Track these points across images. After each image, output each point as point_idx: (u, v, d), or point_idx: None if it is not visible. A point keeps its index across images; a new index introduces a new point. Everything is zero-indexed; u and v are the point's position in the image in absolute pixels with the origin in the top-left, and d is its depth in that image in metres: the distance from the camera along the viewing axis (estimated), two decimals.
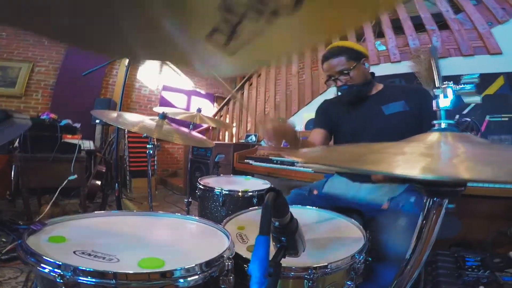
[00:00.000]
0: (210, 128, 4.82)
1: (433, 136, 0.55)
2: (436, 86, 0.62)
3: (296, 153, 0.68)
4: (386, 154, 0.51)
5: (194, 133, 1.73)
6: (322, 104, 1.61)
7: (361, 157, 0.56)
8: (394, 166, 0.43)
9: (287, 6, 0.36)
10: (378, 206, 1.21)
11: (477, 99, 0.60)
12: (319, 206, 1.21)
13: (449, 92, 0.58)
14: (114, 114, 1.47)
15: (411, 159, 0.47)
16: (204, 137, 1.76)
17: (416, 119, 1.24)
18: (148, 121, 1.49)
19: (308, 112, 3.42)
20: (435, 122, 0.59)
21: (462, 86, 0.59)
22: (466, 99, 0.57)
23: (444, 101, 0.59)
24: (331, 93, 3.24)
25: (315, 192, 1.41)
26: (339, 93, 1.41)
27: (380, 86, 1.41)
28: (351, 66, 1.29)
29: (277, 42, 0.44)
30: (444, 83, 0.61)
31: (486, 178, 0.36)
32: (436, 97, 0.60)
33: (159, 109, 1.70)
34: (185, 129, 1.66)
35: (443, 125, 0.57)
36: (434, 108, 0.61)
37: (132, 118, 1.49)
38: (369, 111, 1.35)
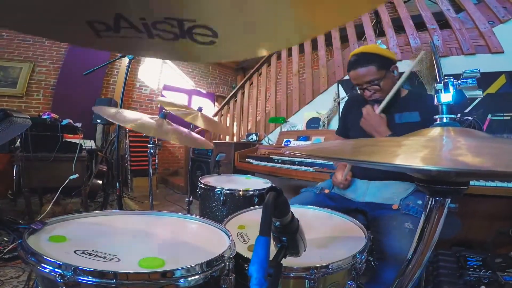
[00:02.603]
0: None
1: (434, 131, 0.54)
2: (437, 80, 0.62)
3: (297, 148, 0.68)
4: (385, 147, 0.51)
5: (194, 134, 1.72)
6: (344, 106, 1.61)
7: (359, 148, 0.55)
8: (393, 157, 0.43)
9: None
10: (385, 206, 1.21)
11: (479, 93, 0.60)
12: (327, 206, 1.20)
13: (450, 86, 0.58)
14: (113, 110, 1.46)
15: (411, 151, 0.46)
16: (203, 138, 1.75)
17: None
18: (148, 119, 1.48)
19: (309, 111, 3.42)
20: (436, 116, 0.59)
21: (463, 80, 0.59)
22: (469, 93, 0.58)
23: (446, 96, 0.58)
24: (332, 92, 3.23)
25: (327, 191, 1.41)
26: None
27: (404, 92, 1.36)
28: (381, 76, 1.22)
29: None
30: (445, 77, 0.61)
31: (487, 167, 0.36)
32: (437, 91, 0.59)
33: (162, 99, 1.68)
34: (185, 130, 1.65)
35: (444, 120, 0.57)
36: (436, 103, 0.60)
37: (131, 115, 1.48)
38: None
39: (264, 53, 0.48)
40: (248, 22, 0.44)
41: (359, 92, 1.33)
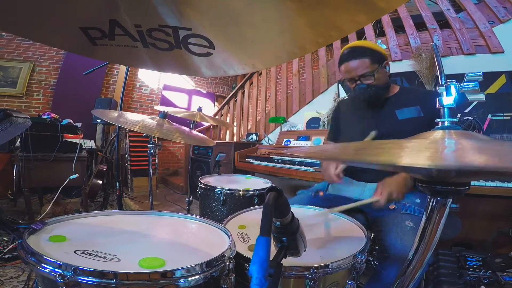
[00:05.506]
0: (211, 127, 4.82)
1: (436, 134, 0.54)
2: (440, 84, 0.62)
3: (299, 150, 0.68)
4: (388, 149, 0.51)
5: (195, 132, 1.72)
6: (334, 111, 1.61)
7: (361, 151, 0.55)
8: (398, 157, 0.43)
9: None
10: (384, 206, 1.20)
11: (481, 96, 0.60)
12: (324, 207, 1.20)
13: (453, 89, 0.58)
14: (115, 114, 1.47)
15: (414, 151, 0.46)
16: (205, 136, 1.75)
17: (428, 125, 1.21)
18: (149, 120, 1.48)
19: (309, 111, 3.42)
20: (438, 120, 0.59)
21: (466, 83, 0.58)
22: (471, 97, 0.58)
23: (448, 99, 0.58)
24: (332, 92, 3.23)
25: (321, 193, 1.39)
26: (355, 91, 1.32)
27: (396, 89, 1.35)
28: (375, 69, 1.21)
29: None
30: (447, 81, 0.61)
31: (491, 165, 0.36)
32: (440, 95, 0.59)
33: (160, 108, 1.70)
34: (186, 128, 1.66)
35: (446, 123, 0.57)
36: (438, 106, 0.60)
37: (133, 117, 1.49)
38: (382, 114, 1.32)
39: (261, 67, 0.48)
40: (245, 35, 0.43)
41: (348, 84, 1.32)
